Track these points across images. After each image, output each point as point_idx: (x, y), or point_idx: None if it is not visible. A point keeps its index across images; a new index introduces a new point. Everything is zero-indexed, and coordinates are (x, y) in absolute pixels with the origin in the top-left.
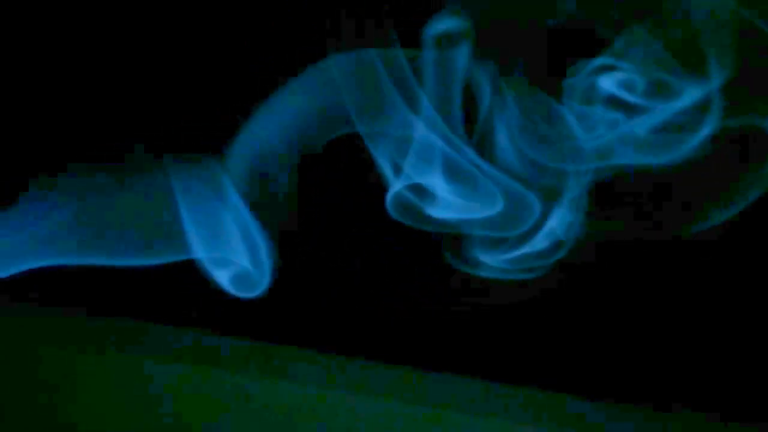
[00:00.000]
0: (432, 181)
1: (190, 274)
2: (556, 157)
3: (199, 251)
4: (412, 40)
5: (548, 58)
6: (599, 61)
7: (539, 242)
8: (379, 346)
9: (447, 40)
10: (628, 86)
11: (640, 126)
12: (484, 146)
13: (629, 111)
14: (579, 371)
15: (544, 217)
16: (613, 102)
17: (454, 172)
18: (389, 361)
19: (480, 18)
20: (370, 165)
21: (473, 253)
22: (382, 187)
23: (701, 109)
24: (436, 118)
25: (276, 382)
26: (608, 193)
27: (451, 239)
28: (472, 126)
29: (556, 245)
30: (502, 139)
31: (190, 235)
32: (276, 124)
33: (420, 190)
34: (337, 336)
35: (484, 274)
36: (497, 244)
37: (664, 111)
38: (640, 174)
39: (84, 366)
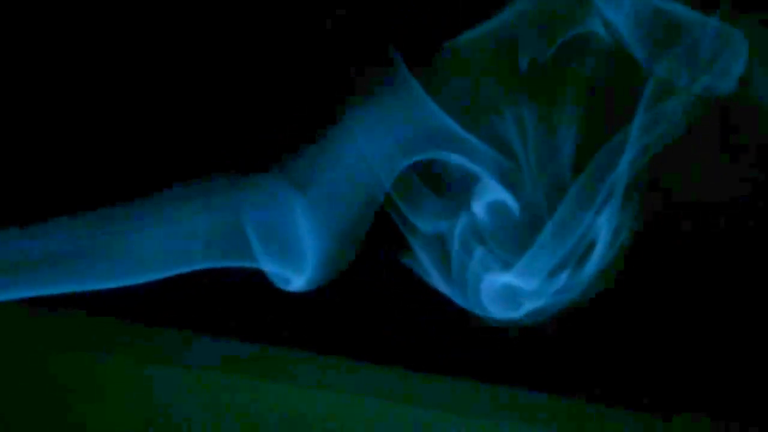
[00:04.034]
0: None
1: (194, 278)
2: None
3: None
4: None
5: None
6: None
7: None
8: (386, 350)
9: None
10: None
11: None
12: None
13: None
14: (580, 374)
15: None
16: None
17: None
18: (394, 364)
19: None
20: None
21: None
22: None
23: None
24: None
25: (277, 384)
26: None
27: None
28: None
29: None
30: None
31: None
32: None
33: None
34: (341, 339)
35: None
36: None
37: None
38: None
39: (89, 369)
